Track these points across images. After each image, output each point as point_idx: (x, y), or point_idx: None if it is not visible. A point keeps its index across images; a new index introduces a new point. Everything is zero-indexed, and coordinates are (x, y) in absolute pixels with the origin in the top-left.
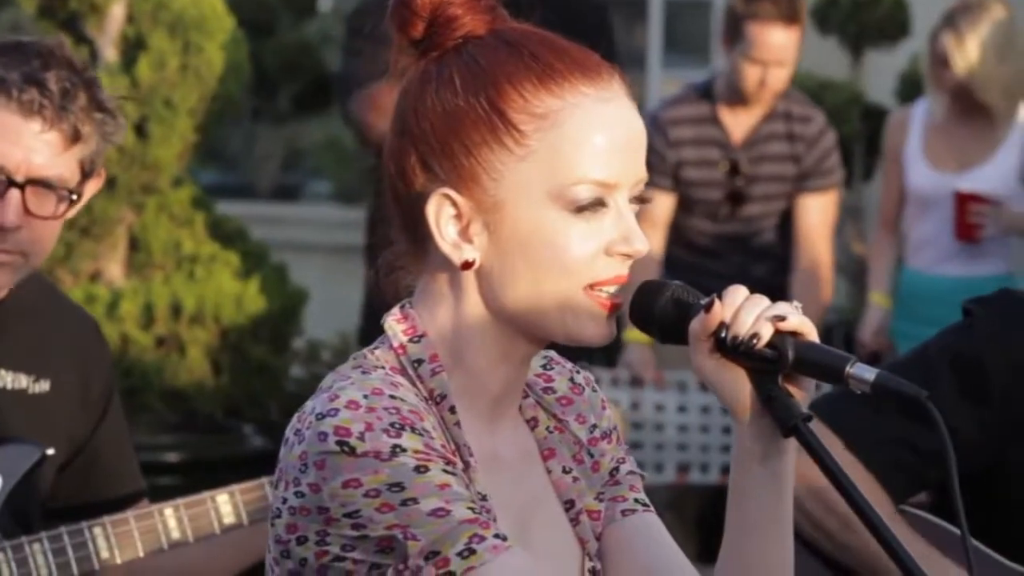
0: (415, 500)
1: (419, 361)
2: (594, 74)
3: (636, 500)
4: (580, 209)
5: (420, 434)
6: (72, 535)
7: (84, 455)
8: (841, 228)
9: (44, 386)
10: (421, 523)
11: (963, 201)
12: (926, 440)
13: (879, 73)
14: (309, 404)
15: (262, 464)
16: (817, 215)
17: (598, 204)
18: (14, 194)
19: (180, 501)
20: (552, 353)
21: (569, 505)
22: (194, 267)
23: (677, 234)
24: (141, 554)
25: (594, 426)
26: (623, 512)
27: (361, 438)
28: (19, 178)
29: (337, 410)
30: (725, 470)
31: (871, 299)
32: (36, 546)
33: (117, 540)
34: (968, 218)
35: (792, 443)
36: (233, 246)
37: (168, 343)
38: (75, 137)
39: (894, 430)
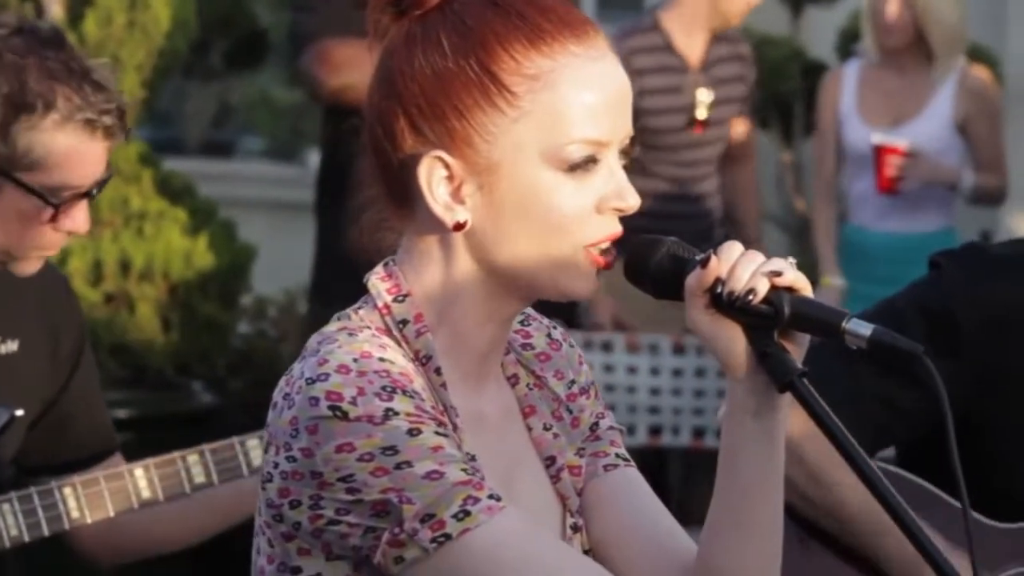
0: (409, 463)
1: (404, 322)
2: (582, 32)
3: (617, 455)
4: (573, 168)
5: (411, 396)
6: (42, 495)
7: (55, 412)
8: (781, 184)
9: (12, 346)
10: (415, 486)
11: (881, 153)
12: (899, 395)
13: (819, 29)
14: (297, 367)
15: (210, 420)
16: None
17: (590, 162)
18: (84, 203)
19: (150, 461)
20: (529, 310)
21: (550, 462)
22: (143, 224)
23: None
24: (111, 513)
25: (572, 382)
26: (605, 467)
27: (353, 402)
28: (88, 187)
29: (328, 375)
30: (697, 433)
31: (822, 284)
32: (6, 506)
33: (87, 500)
34: (887, 171)
35: (785, 399)
36: (181, 202)
37: (117, 300)
38: (123, 135)
39: (867, 384)
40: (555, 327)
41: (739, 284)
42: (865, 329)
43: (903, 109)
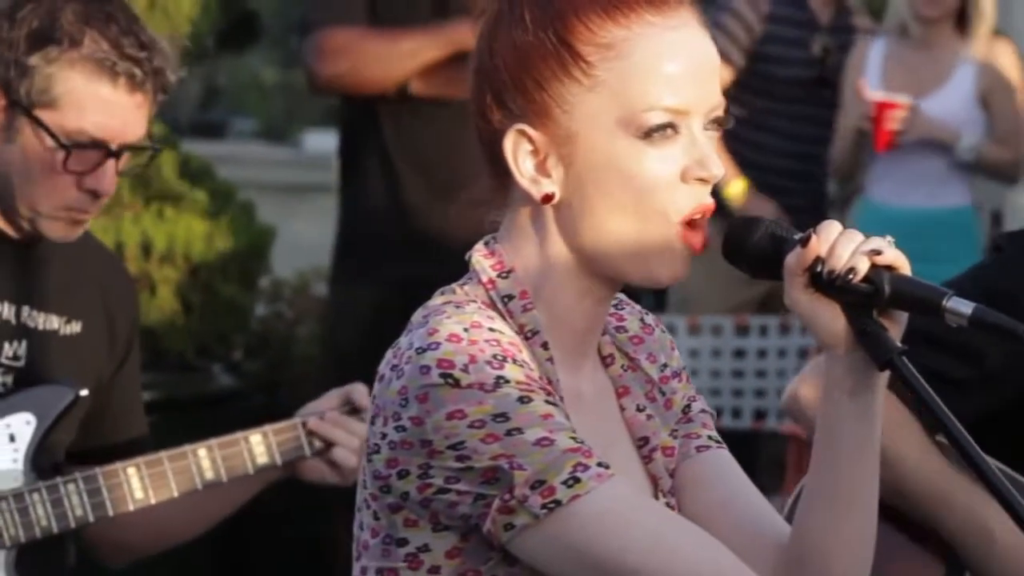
0: (520, 430)
1: (509, 296)
2: (660, 2)
3: (709, 437)
4: (649, 133)
5: (521, 365)
6: (107, 476)
7: (102, 395)
8: None
9: (76, 327)
10: (526, 452)
11: (880, 109)
12: (957, 371)
13: None
14: (404, 340)
15: (229, 403)
16: None
17: (668, 128)
18: (111, 164)
19: (213, 441)
20: (621, 295)
21: (643, 442)
22: (163, 206)
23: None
24: (175, 494)
25: (664, 365)
26: (697, 448)
27: (465, 370)
28: (115, 147)
29: (439, 343)
30: (758, 415)
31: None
32: (71, 487)
33: (151, 480)
34: (885, 124)
35: (882, 378)
36: (201, 184)
37: (139, 282)
38: (158, 96)
39: (925, 362)
40: (647, 313)
41: (839, 263)
42: (966, 307)
43: (927, 82)
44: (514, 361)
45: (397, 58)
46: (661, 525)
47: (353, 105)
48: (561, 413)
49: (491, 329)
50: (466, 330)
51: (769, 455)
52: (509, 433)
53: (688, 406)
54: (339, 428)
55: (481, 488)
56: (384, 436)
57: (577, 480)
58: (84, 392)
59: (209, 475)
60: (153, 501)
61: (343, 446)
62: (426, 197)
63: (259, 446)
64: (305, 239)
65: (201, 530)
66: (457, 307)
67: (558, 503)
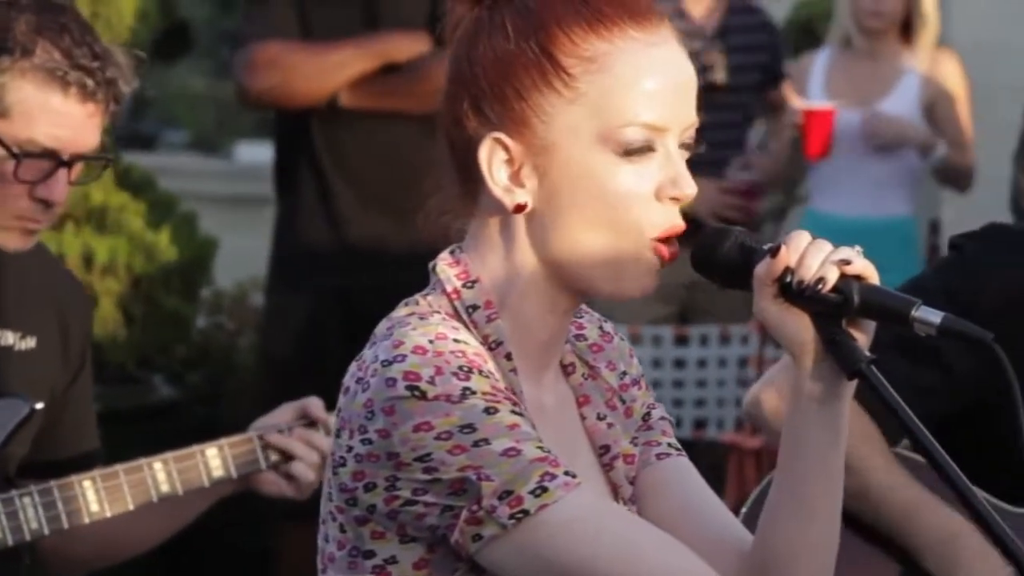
0: (486, 441)
1: (474, 307)
2: (643, 19)
3: (669, 444)
4: (629, 152)
5: (486, 376)
6: (62, 489)
7: (55, 409)
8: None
9: (31, 343)
10: (493, 463)
11: (808, 117)
12: (924, 380)
13: None
14: (369, 352)
15: (171, 414)
16: None
17: (647, 147)
18: (63, 173)
19: (169, 455)
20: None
21: (604, 451)
22: (104, 217)
23: None
24: (131, 507)
25: (624, 372)
26: (657, 456)
27: (431, 382)
28: (66, 156)
29: (404, 356)
30: (698, 425)
31: None
32: (27, 499)
33: (107, 493)
34: (816, 135)
35: (849, 387)
36: (142, 195)
37: None
38: (112, 107)
39: (892, 370)
40: (606, 320)
41: (809, 273)
42: (935, 316)
43: (871, 91)
44: (480, 372)
45: (327, 71)
46: (630, 532)
47: (286, 117)
48: (527, 423)
49: (456, 340)
50: (431, 342)
51: (709, 464)
52: (476, 444)
53: (648, 414)
54: (301, 442)
55: (448, 499)
56: (350, 449)
57: (544, 489)
58: (39, 406)
59: (165, 488)
60: (109, 514)
61: (303, 460)
62: (357, 208)
63: (215, 459)
64: (241, 250)
65: (154, 543)
66: (421, 318)
67: (526, 513)
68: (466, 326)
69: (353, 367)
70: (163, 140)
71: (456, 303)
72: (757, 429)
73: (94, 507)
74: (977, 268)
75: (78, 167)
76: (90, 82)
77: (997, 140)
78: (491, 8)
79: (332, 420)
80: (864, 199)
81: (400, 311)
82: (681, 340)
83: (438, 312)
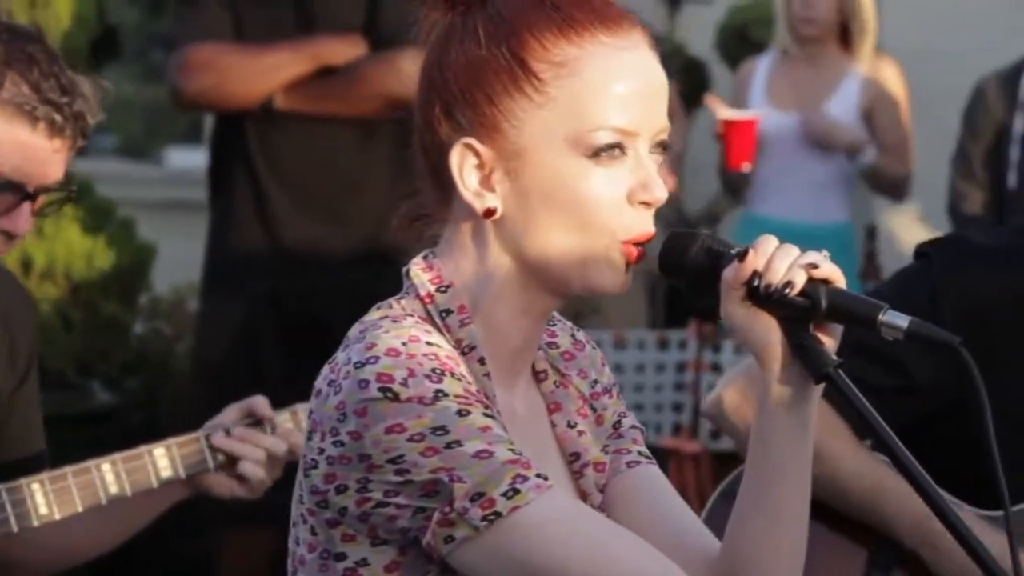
0: (459, 443)
1: (447, 311)
2: (614, 23)
3: (639, 453)
4: (598, 152)
5: (459, 379)
6: (10, 491)
7: (2, 413)
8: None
9: None
10: (466, 465)
11: (727, 127)
12: (881, 381)
13: (697, 26)
14: (341, 355)
15: (110, 420)
16: None
17: (616, 148)
18: (27, 206)
19: (117, 456)
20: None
21: (574, 458)
22: (42, 223)
23: None
24: (80, 508)
25: (595, 381)
26: (627, 464)
27: (404, 384)
28: (31, 189)
29: (377, 357)
30: (676, 429)
31: None
32: None
33: (55, 495)
34: (738, 145)
35: (816, 391)
36: (80, 201)
37: None
38: (78, 141)
39: (855, 372)
40: (578, 329)
41: (776, 277)
42: (902, 321)
43: (811, 97)
44: (452, 375)
45: (261, 73)
46: (603, 535)
47: (221, 121)
48: (499, 426)
49: (429, 343)
50: (404, 344)
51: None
52: (448, 446)
53: (618, 422)
54: (244, 442)
55: (420, 501)
56: (322, 451)
57: (516, 491)
58: None
59: (113, 489)
60: (57, 516)
61: (248, 458)
62: (291, 212)
63: (163, 459)
64: (175, 256)
65: (103, 550)
66: (394, 321)
67: (498, 515)
68: (439, 330)
69: (325, 370)
70: (92, 145)
71: (429, 307)
72: (695, 434)
73: (43, 510)
74: (940, 277)
75: (41, 199)
76: (58, 118)
77: (932, 146)
78: (464, 14)
79: (278, 418)
80: (802, 204)
81: (373, 314)
82: (619, 344)
83: (411, 315)
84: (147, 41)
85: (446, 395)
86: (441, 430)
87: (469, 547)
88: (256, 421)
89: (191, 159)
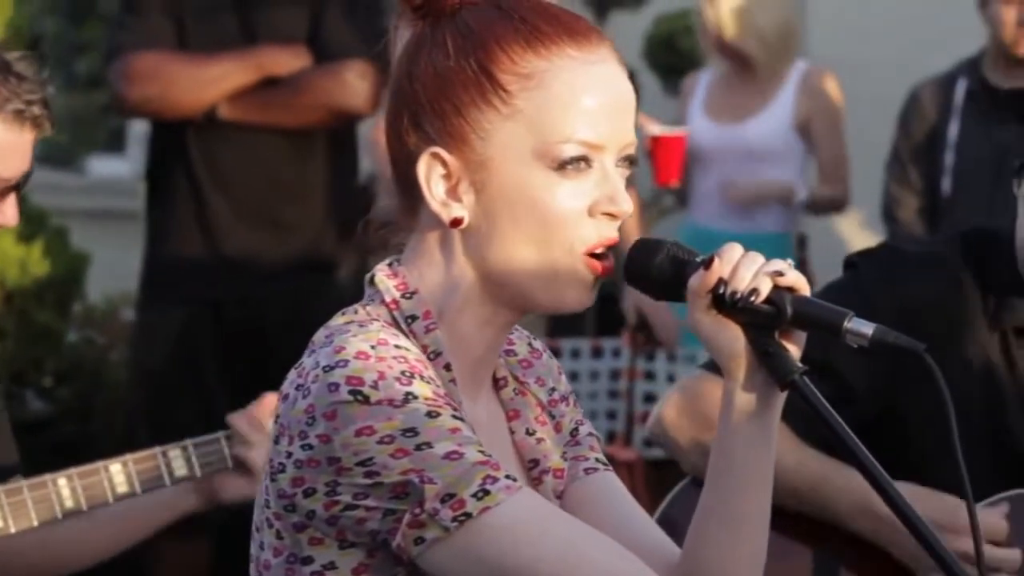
0: (429, 444)
1: (412, 317)
2: (581, 38)
3: (597, 460)
4: (563, 165)
5: (428, 382)
6: None
7: None
8: None
9: None
10: (436, 466)
11: (655, 143)
12: (824, 389)
13: (625, 34)
14: (308, 360)
15: (42, 429)
16: None
17: (582, 161)
18: (13, 197)
19: (73, 471)
20: None
21: (532, 465)
22: None
23: None
24: (35, 523)
25: (553, 388)
26: (585, 471)
27: (375, 386)
28: (16, 181)
29: (347, 361)
30: (610, 437)
31: None
32: None
33: (11, 509)
34: (665, 162)
35: (780, 399)
36: None
37: None
38: (49, 125)
39: None
40: (535, 338)
41: (742, 284)
42: (867, 328)
43: (747, 108)
44: (421, 377)
45: (207, 83)
46: (573, 535)
47: (159, 129)
48: (468, 428)
49: (397, 346)
50: (373, 347)
51: None
52: (418, 448)
53: (576, 429)
54: (259, 432)
55: (391, 503)
56: (289, 455)
57: (487, 492)
58: None
59: (69, 504)
60: (13, 530)
61: (262, 447)
62: (231, 220)
63: (119, 475)
64: (103, 264)
65: (101, 558)
66: (361, 326)
67: (468, 515)
68: (405, 335)
69: (292, 374)
70: None
71: (395, 313)
72: (629, 441)
73: None
74: (871, 286)
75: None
76: (38, 111)
77: (860, 155)
78: (433, 26)
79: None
80: (740, 214)
81: (338, 320)
82: (553, 352)
83: (377, 320)
84: (67, 50)
85: (416, 397)
86: (411, 432)
87: (440, 548)
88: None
89: (114, 168)
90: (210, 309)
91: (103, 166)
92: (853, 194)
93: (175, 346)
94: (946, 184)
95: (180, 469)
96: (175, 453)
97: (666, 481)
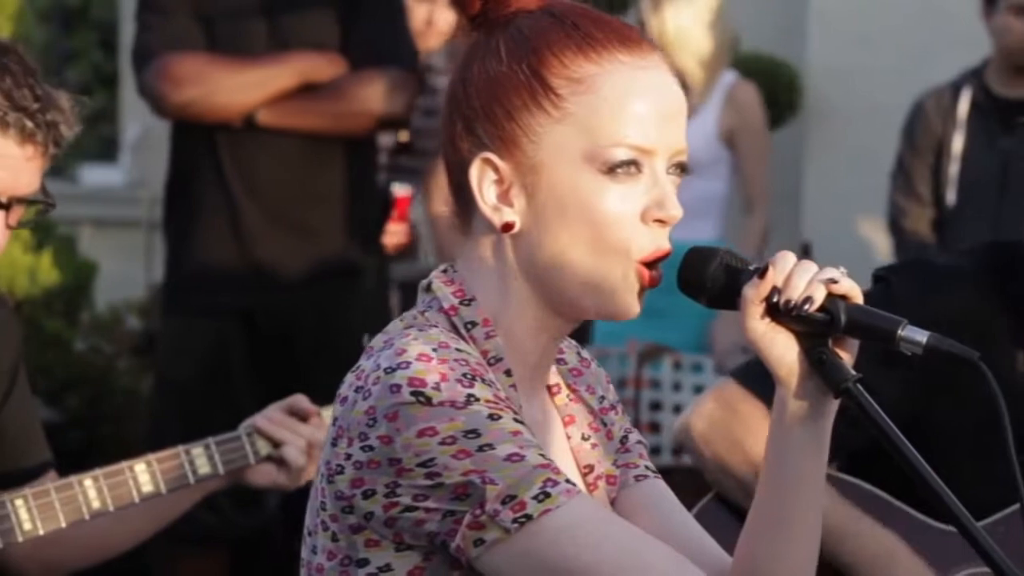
0: (491, 446)
1: (472, 323)
2: (633, 44)
3: (646, 467)
4: (613, 168)
5: (489, 385)
6: None
7: None
8: None
9: None
10: (498, 468)
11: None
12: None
13: None
14: (368, 363)
15: (50, 437)
16: None
17: (632, 165)
18: (1, 216)
19: (99, 471)
20: None
21: (588, 471)
22: None
23: None
24: (63, 524)
25: (603, 397)
26: (635, 478)
27: (437, 388)
28: (4, 199)
29: (408, 362)
30: None
31: None
32: None
33: (39, 511)
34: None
35: (832, 406)
36: None
37: None
38: (52, 150)
39: None
40: (582, 348)
41: (796, 292)
42: (921, 336)
43: None
44: (482, 380)
45: (248, 87)
46: (631, 540)
47: (185, 136)
48: (528, 431)
49: (458, 349)
50: (435, 350)
51: None
52: (480, 449)
53: (625, 437)
54: (283, 428)
55: (451, 504)
56: (349, 457)
57: (547, 495)
58: None
59: (96, 504)
60: (42, 532)
61: (291, 444)
62: (263, 226)
63: (144, 475)
64: (103, 273)
65: (137, 543)
66: (420, 330)
67: (529, 517)
68: (465, 341)
69: (350, 378)
70: None
71: (454, 319)
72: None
73: (27, 525)
74: (903, 300)
75: (17, 211)
76: (30, 124)
77: (860, 162)
78: (488, 32)
79: (323, 413)
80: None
81: (396, 325)
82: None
83: (435, 326)
84: (58, 58)
85: (477, 399)
86: (473, 433)
87: (499, 550)
88: (300, 417)
89: (107, 177)
90: (240, 316)
91: (95, 175)
92: (856, 201)
93: (205, 354)
94: (951, 195)
95: (203, 467)
96: (198, 451)
97: (671, 488)
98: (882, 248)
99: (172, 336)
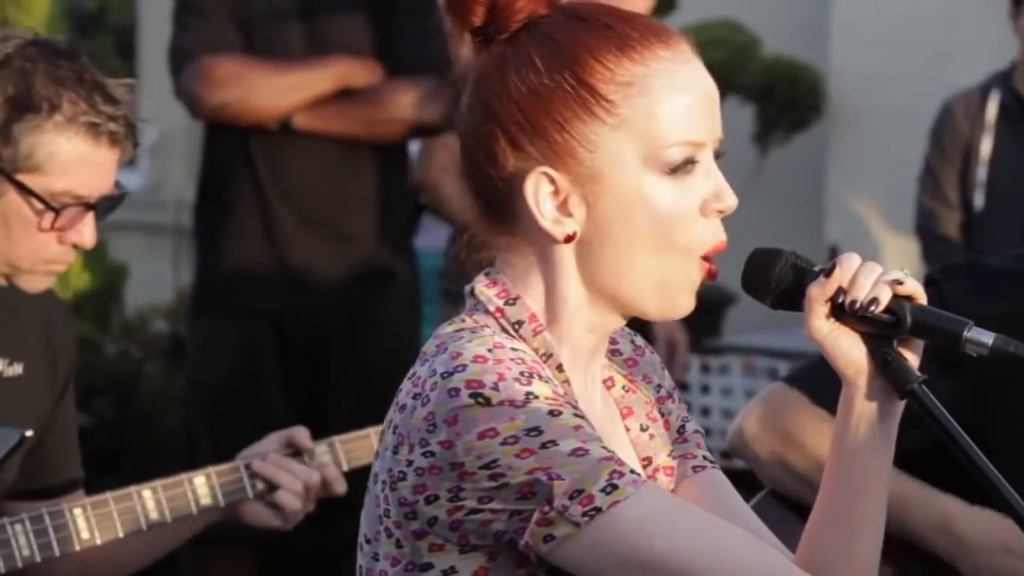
0: (554, 442)
1: (519, 322)
2: (667, 38)
3: (704, 457)
4: (674, 170)
5: (546, 381)
6: (53, 516)
7: (40, 434)
8: None
9: (18, 368)
10: (563, 463)
11: None
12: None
13: None
14: (423, 368)
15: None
16: None
17: (690, 163)
18: (91, 216)
19: (158, 482)
20: None
21: (647, 462)
22: None
23: None
24: (121, 534)
25: (659, 385)
26: (694, 468)
27: (495, 388)
28: (93, 199)
29: (465, 365)
30: None
31: None
32: (18, 527)
33: (97, 521)
34: None
35: (899, 407)
36: None
37: None
38: (131, 147)
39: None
40: (636, 335)
41: (862, 293)
42: (987, 337)
43: None
44: (540, 377)
45: (286, 90)
46: (703, 526)
47: (219, 139)
48: (589, 425)
49: (513, 348)
50: (490, 351)
51: None
52: (544, 446)
53: (683, 426)
54: (282, 470)
55: (517, 504)
56: (410, 463)
57: (615, 487)
58: (29, 432)
59: (154, 516)
60: (99, 541)
61: (286, 488)
62: (297, 230)
63: (203, 487)
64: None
65: (136, 567)
66: (473, 332)
67: (598, 510)
68: (516, 340)
69: (407, 384)
70: None
71: (501, 320)
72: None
73: (84, 535)
74: (955, 303)
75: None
76: (119, 129)
77: (882, 165)
78: (511, 44)
79: (317, 449)
80: None
81: (447, 328)
82: None
83: (487, 327)
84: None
85: (536, 397)
86: (535, 431)
87: (570, 545)
88: (295, 452)
89: (126, 181)
90: (272, 321)
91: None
92: (880, 204)
93: (237, 359)
94: (979, 198)
95: (260, 483)
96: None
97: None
98: (906, 250)
99: (202, 340)
